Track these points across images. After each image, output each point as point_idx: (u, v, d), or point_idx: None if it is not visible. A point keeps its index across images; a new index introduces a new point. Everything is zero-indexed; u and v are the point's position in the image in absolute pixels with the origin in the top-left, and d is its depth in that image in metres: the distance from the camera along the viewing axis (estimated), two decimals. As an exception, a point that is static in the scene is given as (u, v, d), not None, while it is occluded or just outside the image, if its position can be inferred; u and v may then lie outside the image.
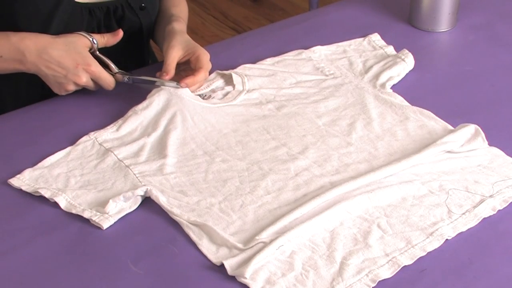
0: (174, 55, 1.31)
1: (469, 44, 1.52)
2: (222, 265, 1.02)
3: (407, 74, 1.40)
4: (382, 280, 1.00)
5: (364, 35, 1.50)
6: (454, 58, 1.51)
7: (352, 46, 1.47)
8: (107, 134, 1.24)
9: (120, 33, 1.32)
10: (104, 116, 1.29)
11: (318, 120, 1.27)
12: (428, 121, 1.27)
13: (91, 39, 1.28)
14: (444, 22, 1.53)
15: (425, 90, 1.38)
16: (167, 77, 1.29)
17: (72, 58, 1.24)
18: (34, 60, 1.23)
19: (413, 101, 1.33)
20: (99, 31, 1.35)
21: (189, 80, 1.30)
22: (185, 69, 1.34)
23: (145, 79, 1.32)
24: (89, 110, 1.31)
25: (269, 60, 1.42)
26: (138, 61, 1.47)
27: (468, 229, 1.08)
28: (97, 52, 1.29)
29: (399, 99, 1.32)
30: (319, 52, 1.44)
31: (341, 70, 1.39)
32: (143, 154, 1.21)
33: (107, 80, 1.28)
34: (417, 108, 1.30)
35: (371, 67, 1.39)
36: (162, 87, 1.30)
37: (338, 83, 1.36)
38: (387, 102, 1.31)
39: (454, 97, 1.36)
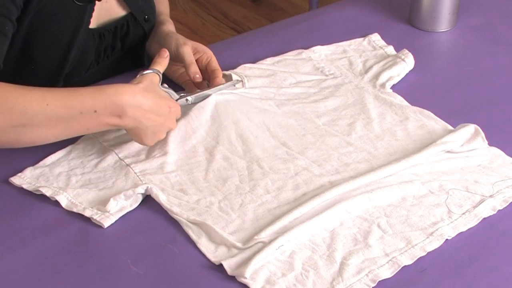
0: (191, 52, 1.29)
1: (469, 44, 1.52)
2: (222, 265, 1.02)
3: (407, 74, 1.40)
4: (382, 280, 1.00)
5: (364, 35, 1.50)
6: (454, 58, 1.51)
7: (352, 46, 1.47)
8: (108, 133, 1.24)
9: (166, 52, 1.25)
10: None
11: (317, 120, 1.27)
12: (428, 121, 1.27)
13: (157, 73, 1.20)
14: (444, 22, 1.53)
15: (425, 90, 1.38)
16: (200, 78, 1.28)
17: (164, 103, 1.16)
18: (135, 114, 1.13)
19: (413, 101, 1.33)
20: (105, 52, 1.35)
21: (218, 80, 1.29)
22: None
23: (203, 94, 1.28)
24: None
25: (269, 60, 1.42)
26: (137, 64, 1.46)
27: (468, 229, 1.08)
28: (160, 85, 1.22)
29: (399, 99, 1.32)
30: (319, 52, 1.44)
31: (341, 70, 1.39)
32: (143, 153, 1.21)
33: (179, 112, 1.22)
34: (417, 108, 1.30)
35: (371, 67, 1.39)
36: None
37: (338, 83, 1.36)
38: (387, 102, 1.31)
39: (454, 97, 1.36)
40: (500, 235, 1.08)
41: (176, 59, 1.30)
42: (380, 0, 1.64)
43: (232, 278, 1.01)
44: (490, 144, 1.22)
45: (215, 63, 1.31)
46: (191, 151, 1.21)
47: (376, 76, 1.36)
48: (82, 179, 1.16)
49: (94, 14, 1.28)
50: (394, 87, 1.36)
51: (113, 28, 1.33)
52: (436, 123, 1.26)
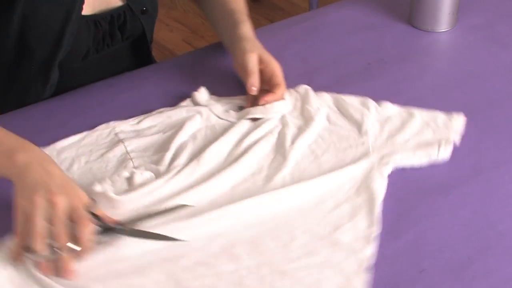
0: (254, 60, 1.25)
1: (469, 44, 1.52)
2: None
3: (407, 74, 1.40)
4: (382, 280, 1.00)
5: (364, 35, 1.51)
6: (454, 58, 1.51)
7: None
8: (126, 126, 1.23)
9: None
10: (106, 116, 1.29)
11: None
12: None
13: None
14: (444, 22, 1.53)
15: (425, 90, 1.38)
16: (256, 91, 1.23)
17: (65, 180, 1.00)
18: (26, 159, 1.00)
19: (413, 101, 1.33)
20: (104, 40, 1.35)
21: (269, 97, 1.24)
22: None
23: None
24: (91, 110, 1.31)
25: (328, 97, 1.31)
26: (142, 64, 1.46)
27: (468, 229, 1.08)
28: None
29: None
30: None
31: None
32: (150, 149, 1.20)
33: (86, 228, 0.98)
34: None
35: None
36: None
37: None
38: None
39: (454, 97, 1.36)
40: (500, 235, 1.08)
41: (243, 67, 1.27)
42: (380, 0, 1.64)
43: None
44: (492, 143, 1.22)
45: (278, 78, 1.25)
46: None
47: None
48: (84, 167, 1.15)
49: (90, 1, 1.29)
50: (394, 88, 1.36)
51: (109, 16, 1.34)
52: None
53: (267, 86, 1.26)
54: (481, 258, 1.04)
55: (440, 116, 1.27)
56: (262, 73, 1.27)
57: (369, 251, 1.03)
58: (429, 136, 1.23)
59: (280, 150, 1.19)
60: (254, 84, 1.24)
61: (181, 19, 3.04)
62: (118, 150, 1.19)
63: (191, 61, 1.45)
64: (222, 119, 1.25)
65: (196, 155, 1.17)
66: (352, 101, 1.29)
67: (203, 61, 1.45)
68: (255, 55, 1.26)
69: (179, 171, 1.13)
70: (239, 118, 1.25)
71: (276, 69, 1.26)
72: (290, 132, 1.22)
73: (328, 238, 1.05)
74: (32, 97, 1.32)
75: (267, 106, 1.25)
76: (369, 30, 1.52)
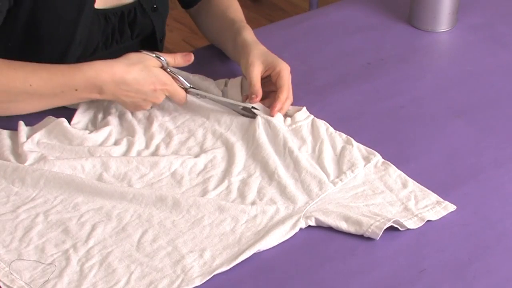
0: (256, 74, 1.26)
1: (469, 44, 1.52)
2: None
3: (407, 74, 1.40)
4: (382, 280, 1.00)
5: (364, 35, 1.50)
6: (454, 58, 1.51)
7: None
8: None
9: (191, 56, 1.29)
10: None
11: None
12: None
13: (162, 59, 1.25)
14: (444, 22, 1.53)
15: (425, 90, 1.38)
16: (257, 99, 1.25)
17: (149, 82, 1.22)
18: (113, 91, 1.21)
19: (413, 101, 1.33)
20: (113, 36, 1.34)
21: (277, 107, 1.25)
22: (265, 83, 1.28)
23: (220, 99, 1.28)
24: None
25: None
26: None
27: (468, 229, 1.08)
28: (168, 70, 1.26)
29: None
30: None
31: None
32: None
33: (180, 96, 1.26)
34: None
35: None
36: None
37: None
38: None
39: (454, 97, 1.36)
40: (500, 235, 1.08)
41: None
42: (380, 0, 1.64)
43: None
44: (491, 144, 1.22)
45: (282, 80, 1.26)
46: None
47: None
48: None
49: None
50: (393, 89, 1.36)
51: (119, 12, 1.33)
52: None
53: (274, 88, 1.27)
54: (481, 258, 1.04)
55: (431, 197, 1.12)
56: (272, 77, 1.28)
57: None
58: (390, 212, 1.10)
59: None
60: (253, 93, 1.25)
61: (180, 19, 3.03)
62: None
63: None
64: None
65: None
66: (355, 152, 1.19)
67: (203, 61, 1.45)
68: (256, 68, 1.27)
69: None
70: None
71: (281, 70, 1.27)
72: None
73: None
74: None
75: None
76: (369, 30, 1.52)
